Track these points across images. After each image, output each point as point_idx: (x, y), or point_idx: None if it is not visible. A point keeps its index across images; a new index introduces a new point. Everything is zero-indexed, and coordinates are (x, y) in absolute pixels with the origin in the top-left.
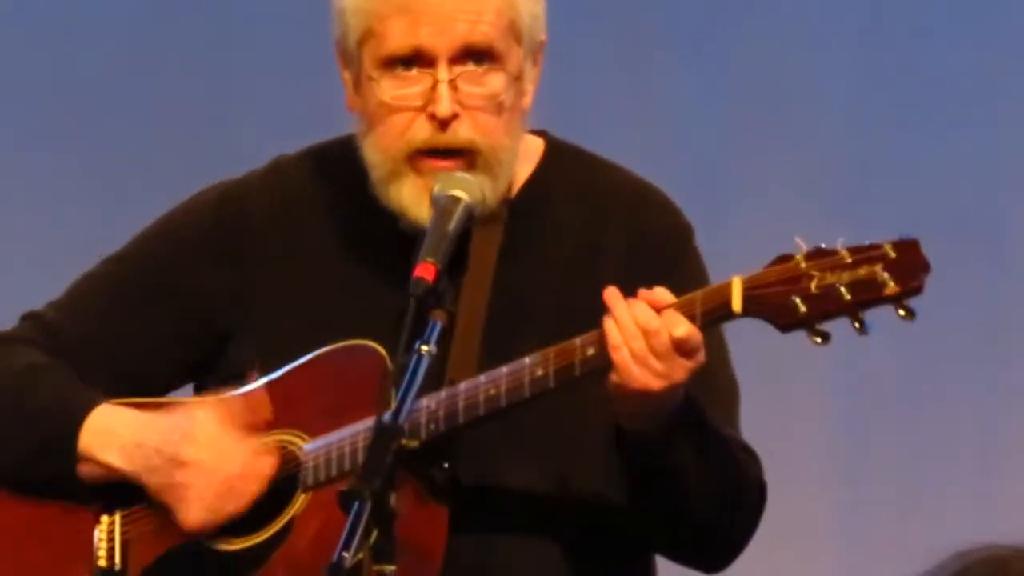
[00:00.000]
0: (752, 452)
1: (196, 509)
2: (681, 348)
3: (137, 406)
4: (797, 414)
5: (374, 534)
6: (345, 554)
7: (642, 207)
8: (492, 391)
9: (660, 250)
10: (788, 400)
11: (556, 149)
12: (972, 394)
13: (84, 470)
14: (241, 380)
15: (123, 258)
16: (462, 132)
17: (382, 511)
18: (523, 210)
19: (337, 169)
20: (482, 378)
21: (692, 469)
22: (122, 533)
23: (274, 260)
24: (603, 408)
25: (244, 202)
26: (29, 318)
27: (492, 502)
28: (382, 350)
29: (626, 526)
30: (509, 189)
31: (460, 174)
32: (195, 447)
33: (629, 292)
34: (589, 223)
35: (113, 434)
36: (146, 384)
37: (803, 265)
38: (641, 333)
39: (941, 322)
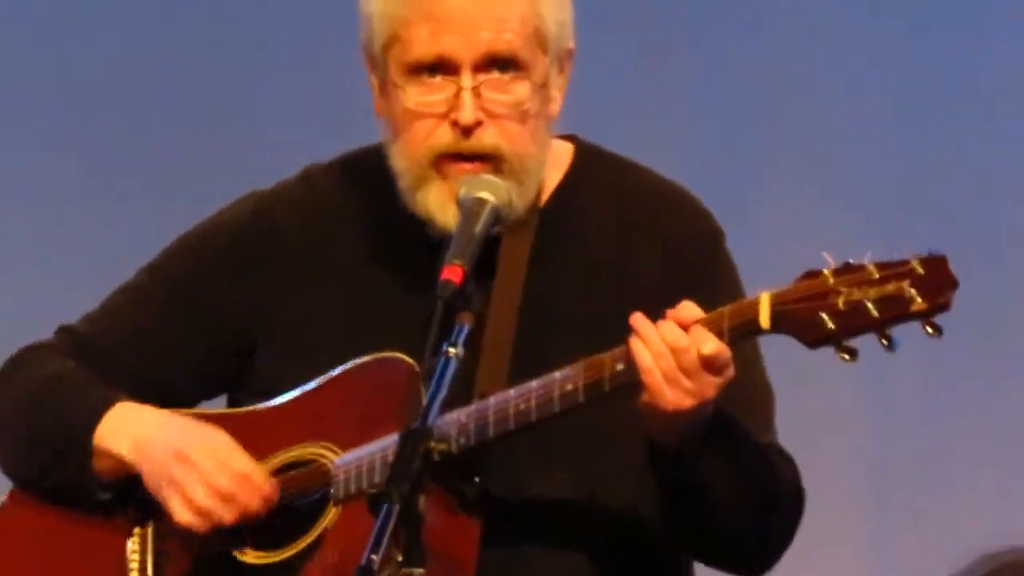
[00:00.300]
0: (788, 457)
1: (186, 509)
2: (710, 365)
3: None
4: (821, 421)
5: (403, 538)
6: (374, 556)
7: (673, 211)
8: (522, 406)
9: (691, 255)
10: (811, 406)
11: (585, 153)
12: (996, 399)
13: (100, 466)
14: (272, 393)
15: (154, 269)
16: (486, 139)
17: (410, 514)
18: (553, 216)
19: (366, 178)
20: (512, 392)
21: (725, 480)
22: (155, 544)
23: (302, 270)
24: (633, 421)
25: (274, 213)
26: (63, 331)
27: (521, 515)
28: (413, 362)
29: (656, 541)
30: (539, 195)
31: (487, 176)
32: (199, 451)
33: (660, 297)
34: (619, 228)
35: (127, 427)
36: (175, 396)
37: (831, 281)
38: (670, 352)
39: (964, 327)
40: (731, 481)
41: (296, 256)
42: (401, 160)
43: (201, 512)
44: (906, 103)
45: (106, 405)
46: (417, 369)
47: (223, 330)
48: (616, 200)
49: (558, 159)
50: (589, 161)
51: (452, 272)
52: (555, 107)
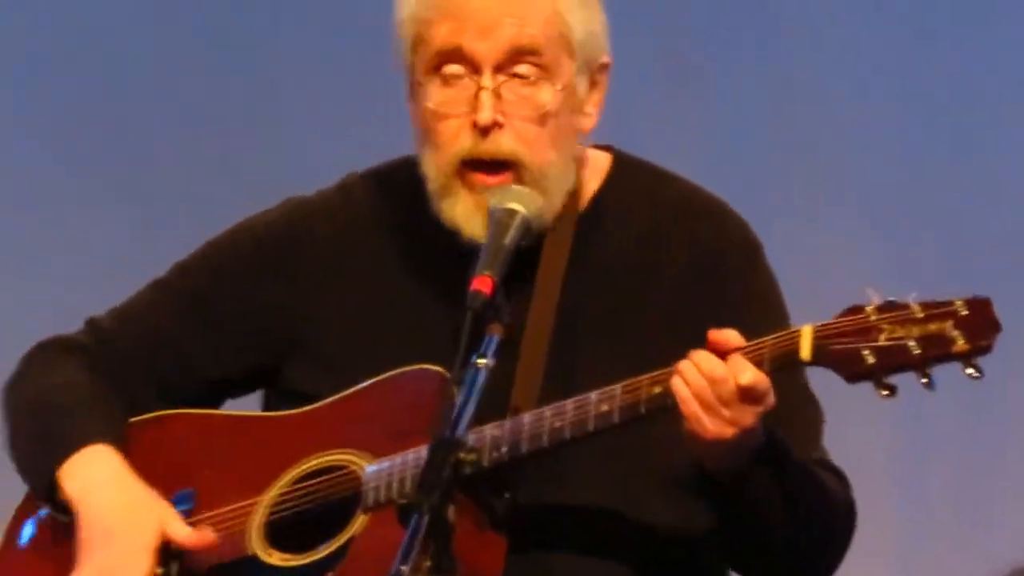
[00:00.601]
0: (838, 471)
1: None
2: (748, 395)
3: (190, 419)
4: (853, 434)
5: (432, 547)
6: (403, 567)
7: (708, 222)
8: (557, 423)
9: (724, 266)
10: (843, 420)
11: (624, 163)
12: None
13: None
14: (304, 399)
15: (185, 268)
16: (504, 142)
17: (440, 524)
18: (591, 224)
19: (401, 187)
20: (547, 411)
21: (775, 499)
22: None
23: (335, 279)
24: (668, 442)
25: (309, 221)
26: (89, 324)
27: (550, 530)
28: (446, 373)
29: (684, 558)
30: (575, 205)
31: (517, 187)
32: (114, 547)
33: (692, 307)
34: (655, 238)
35: (86, 473)
36: (193, 397)
37: (874, 317)
38: (707, 383)
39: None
40: (781, 503)
41: (328, 264)
42: (428, 167)
43: None
44: (913, 109)
45: (80, 443)
46: (449, 380)
47: (243, 334)
48: (653, 210)
49: (596, 168)
50: (627, 171)
51: (482, 283)
52: (588, 121)
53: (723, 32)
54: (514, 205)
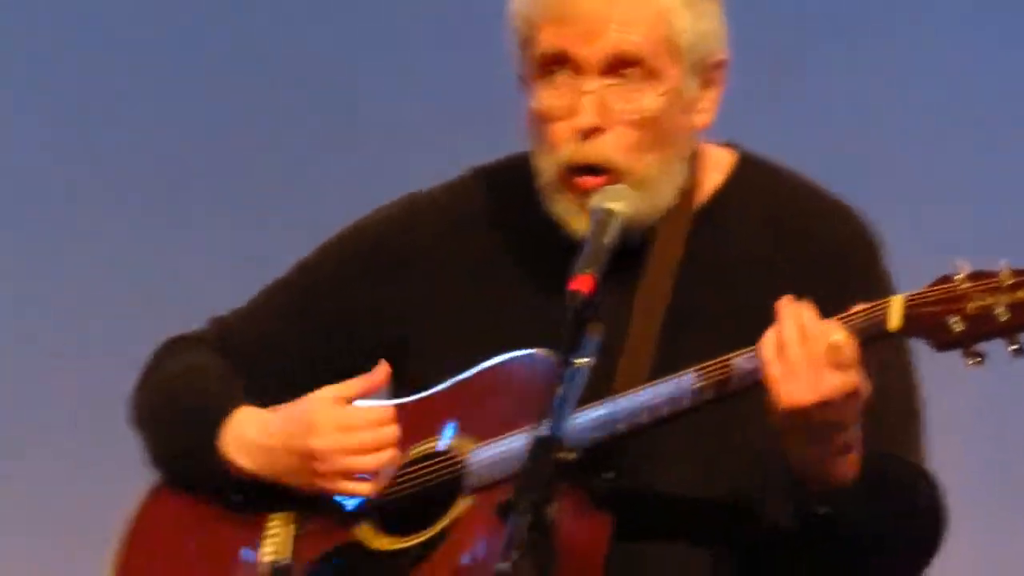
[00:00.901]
0: (928, 477)
1: (342, 484)
2: (834, 356)
3: None
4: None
5: (531, 543)
6: (503, 565)
7: (830, 221)
8: (655, 401)
9: (842, 264)
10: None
11: (746, 160)
12: None
13: (234, 473)
14: (412, 391)
15: (305, 267)
16: (602, 148)
17: (541, 522)
18: (708, 219)
19: (515, 180)
20: (645, 388)
21: (861, 512)
22: (295, 528)
23: (447, 273)
24: (757, 419)
25: (424, 216)
26: (213, 322)
27: (650, 511)
28: (556, 359)
29: (778, 538)
30: (690, 201)
31: (618, 187)
32: (320, 436)
33: (811, 306)
34: (774, 236)
35: (244, 439)
36: (305, 391)
37: (963, 287)
38: (799, 338)
39: None
40: (865, 516)
41: (441, 258)
42: (536, 163)
43: (350, 475)
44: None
45: (225, 414)
46: (556, 364)
47: (365, 333)
48: (774, 207)
49: (718, 164)
50: (749, 168)
51: (582, 282)
52: (702, 119)
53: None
54: (614, 205)
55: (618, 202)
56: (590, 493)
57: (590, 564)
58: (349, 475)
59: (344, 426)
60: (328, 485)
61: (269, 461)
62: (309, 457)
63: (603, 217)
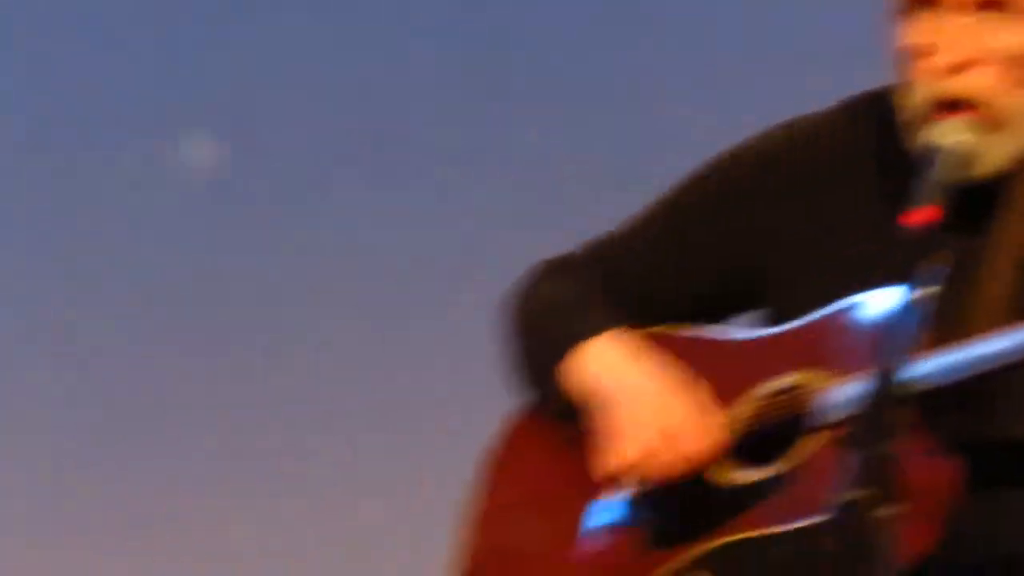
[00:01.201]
0: None
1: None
2: None
3: (666, 337)
4: None
5: (877, 483)
6: (845, 497)
7: None
8: (1006, 345)
9: None
10: None
11: None
12: None
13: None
14: (778, 320)
15: (684, 187)
16: (969, 83)
17: (882, 459)
18: None
19: (884, 112)
20: (1000, 333)
21: None
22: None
23: (812, 201)
24: None
25: (803, 143)
26: (586, 245)
27: (1005, 461)
28: (916, 297)
29: None
30: None
31: (961, 123)
32: (692, 425)
33: None
34: None
35: (602, 364)
36: (674, 317)
37: None
38: None
39: None
40: None
41: (810, 185)
42: (900, 98)
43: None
44: None
45: (591, 334)
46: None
47: (734, 257)
48: None
49: None
50: None
51: (923, 214)
52: None
53: None
54: (954, 140)
55: (959, 137)
56: (937, 436)
57: (935, 507)
58: (657, 468)
59: (710, 439)
60: (637, 456)
61: (623, 378)
62: (666, 424)
63: (950, 152)
